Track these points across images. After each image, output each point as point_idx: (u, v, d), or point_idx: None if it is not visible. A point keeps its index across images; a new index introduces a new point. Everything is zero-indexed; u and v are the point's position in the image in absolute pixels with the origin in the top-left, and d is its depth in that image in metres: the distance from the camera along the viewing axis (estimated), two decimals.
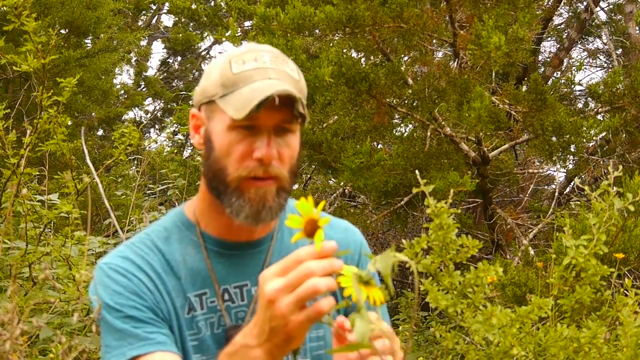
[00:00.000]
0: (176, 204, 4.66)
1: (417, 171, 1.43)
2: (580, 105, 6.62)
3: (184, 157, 6.94)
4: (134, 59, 11.56)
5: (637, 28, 6.50)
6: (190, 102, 6.29)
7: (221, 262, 1.36)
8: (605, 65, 8.87)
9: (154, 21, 12.45)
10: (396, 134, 5.60)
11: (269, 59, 1.28)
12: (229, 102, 1.25)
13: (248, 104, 1.20)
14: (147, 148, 5.98)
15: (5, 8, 2.89)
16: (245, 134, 1.25)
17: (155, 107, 12.10)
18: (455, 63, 4.38)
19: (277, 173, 1.26)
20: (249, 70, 1.26)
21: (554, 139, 4.20)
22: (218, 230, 1.37)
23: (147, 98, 11.32)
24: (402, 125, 5.76)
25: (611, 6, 8.37)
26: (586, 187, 1.60)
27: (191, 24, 11.31)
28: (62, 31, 7.04)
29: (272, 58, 1.29)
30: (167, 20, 13.18)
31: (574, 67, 7.94)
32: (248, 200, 1.26)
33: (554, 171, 6.55)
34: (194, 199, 1.42)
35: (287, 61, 1.31)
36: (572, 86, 5.83)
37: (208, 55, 12.98)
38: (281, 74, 1.27)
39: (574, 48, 8.34)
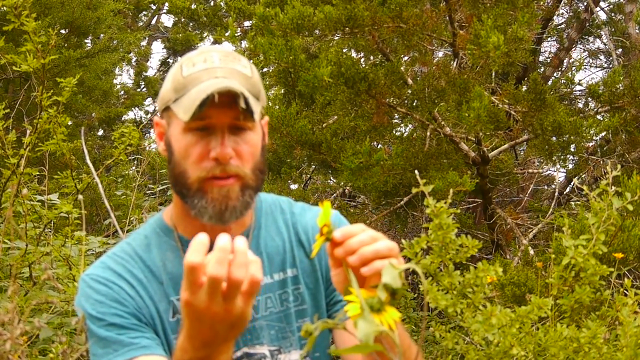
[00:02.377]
0: None
1: (416, 171, 1.43)
2: (580, 105, 6.62)
3: None
4: (134, 59, 11.55)
5: (637, 28, 6.50)
6: None
7: None
8: (605, 65, 8.88)
9: (153, 21, 12.44)
10: (396, 134, 5.60)
11: (218, 59, 1.29)
12: (179, 105, 1.26)
13: (192, 105, 1.22)
14: (147, 148, 5.98)
15: (5, 8, 2.89)
16: (200, 135, 1.26)
17: (155, 107, 12.10)
18: (455, 63, 4.38)
19: (236, 171, 1.26)
20: (198, 71, 1.27)
21: (553, 138, 4.20)
22: (194, 233, 1.36)
23: (147, 98, 11.31)
24: (401, 125, 5.76)
25: (611, 6, 8.37)
26: (585, 187, 1.60)
27: (191, 24, 11.30)
28: (62, 31, 7.03)
29: (222, 57, 1.29)
30: (167, 21, 13.17)
31: (573, 67, 7.94)
32: (211, 201, 1.26)
33: (554, 171, 6.55)
34: (171, 204, 1.42)
35: (239, 59, 1.32)
36: (572, 86, 5.83)
37: None
38: (229, 71, 1.27)
39: (574, 48, 8.34)
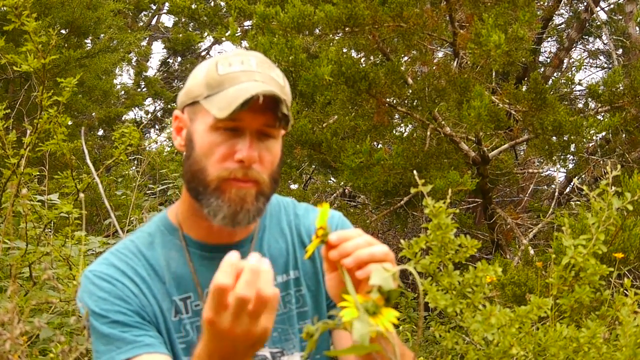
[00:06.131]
0: None
1: (415, 171, 1.43)
2: (580, 105, 6.62)
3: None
4: (134, 59, 11.56)
5: (637, 28, 6.50)
6: None
7: (204, 264, 1.36)
8: (606, 65, 8.88)
9: (154, 21, 12.44)
10: (396, 133, 5.60)
11: (255, 63, 1.29)
12: (213, 102, 1.25)
13: (233, 103, 1.21)
14: (147, 148, 5.98)
15: (5, 8, 2.89)
16: (228, 135, 1.25)
17: (155, 107, 12.11)
18: (455, 62, 4.38)
19: (257, 177, 1.26)
20: (236, 72, 1.26)
21: (553, 138, 4.20)
22: (200, 233, 1.37)
23: (147, 98, 11.32)
24: (402, 124, 5.76)
25: (611, 6, 8.36)
26: (585, 187, 1.60)
27: (191, 23, 11.32)
28: (63, 31, 7.03)
29: (259, 62, 1.30)
30: (167, 21, 13.19)
31: (573, 67, 7.94)
32: (227, 200, 1.26)
33: (554, 171, 6.55)
34: (177, 202, 1.42)
35: (273, 67, 1.32)
36: (572, 86, 5.83)
37: (208, 55, 12.97)
38: (267, 77, 1.28)
39: (574, 48, 8.34)
